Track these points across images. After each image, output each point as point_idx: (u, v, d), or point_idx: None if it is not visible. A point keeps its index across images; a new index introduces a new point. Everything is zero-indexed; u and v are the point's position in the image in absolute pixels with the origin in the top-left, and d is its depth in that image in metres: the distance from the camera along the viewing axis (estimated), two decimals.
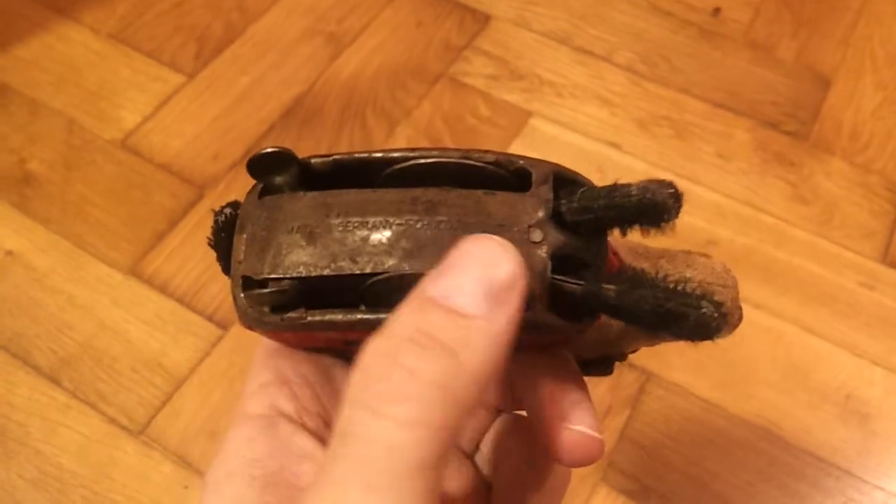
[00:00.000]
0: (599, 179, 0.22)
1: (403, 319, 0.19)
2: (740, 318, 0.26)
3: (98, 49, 0.83)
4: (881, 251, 0.71)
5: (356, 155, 0.24)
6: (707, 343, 0.26)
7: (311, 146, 0.76)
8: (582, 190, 0.23)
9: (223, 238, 0.24)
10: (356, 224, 0.22)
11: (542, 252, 0.22)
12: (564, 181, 0.23)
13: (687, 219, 0.74)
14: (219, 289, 0.67)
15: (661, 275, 0.22)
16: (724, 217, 0.73)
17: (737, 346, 0.65)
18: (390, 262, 0.22)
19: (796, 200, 0.74)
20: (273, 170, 0.23)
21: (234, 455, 0.22)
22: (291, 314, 0.22)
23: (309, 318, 0.22)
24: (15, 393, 0.62)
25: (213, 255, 0.72)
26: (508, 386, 0.27)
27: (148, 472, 0.59)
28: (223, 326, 0.65)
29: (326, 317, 0.22)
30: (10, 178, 0.73)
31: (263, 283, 0.23)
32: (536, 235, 0.22)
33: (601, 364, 0.28)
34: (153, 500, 0.58)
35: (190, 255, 0.69)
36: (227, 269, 0.24)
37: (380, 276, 0.22)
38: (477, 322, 0.19)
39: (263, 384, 0.24)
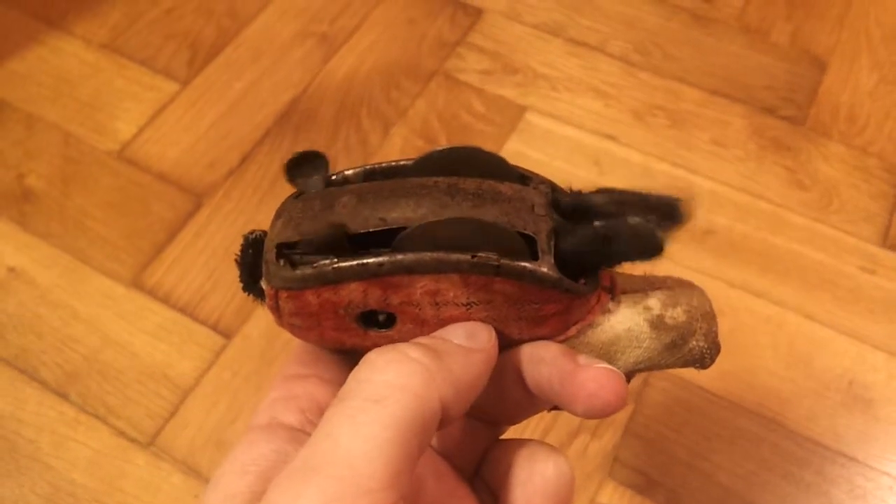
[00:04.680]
0: (596, 173, 0.27)
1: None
2: (718, 352, 0.27)
3: (91, 60, 0.83)
4: (881, 234, 0.71)
5: (384, 163, 0.27)
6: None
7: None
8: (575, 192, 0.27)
9: (250, 255, 0.26)
10: (386, 199, 0.25)
11: (547, 220, 0.25)
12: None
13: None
14: (221, 298, 0.67)
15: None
16: (722, 205, 0.73)
17: (738, 336, 0.65)
18: (416, 220, 0.24)
19: (794, 186, 0.74)
20: (306, 171, 0.26)
21: (232, 458, 0.23)
22: (322, 262, 0.24)
23: (340, 264, 0.24)
24: (24, 409, 0.63)
25: (213, 264, 0.73)
26: (511, 384, 0.27)
27: (158, 483, 0.59)
28: (227, 335, 0.65)
29: (355, 261, 0.24)
30: (10, 195, 0.73)
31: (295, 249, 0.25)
32: (541, 210, 0.25)
33: None
34: None
35: (190, 265, 0.69)
36: (248, 288, 0.26)
37: (406, 230, 0.24)
38: (458, 346, 0.23)
39: (273, 400, 0.26)
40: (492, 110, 0.79)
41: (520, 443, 0.26)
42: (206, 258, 0.69)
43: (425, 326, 0.25)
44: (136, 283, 0.68)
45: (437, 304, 0.24)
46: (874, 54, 0.83)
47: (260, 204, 0.73)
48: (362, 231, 0.24)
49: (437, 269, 0.24)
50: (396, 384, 0.21)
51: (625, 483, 0.59)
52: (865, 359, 0.64)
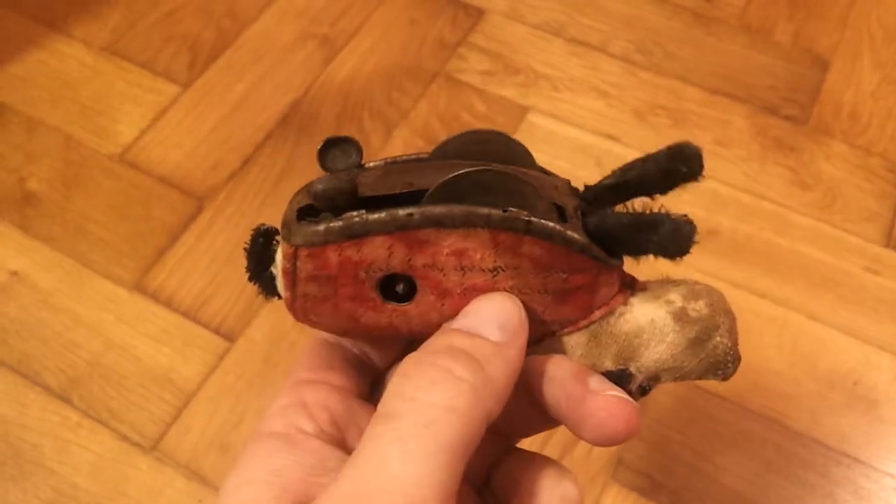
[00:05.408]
0: (598, 173, 0.27)
1: (435, 341, 0.23)
2: (739, 361, 0.27)
3: (91, 63, 0.83)
4: (884, 234, 0.71)
5: (404, 156, 0.27)
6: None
7: (309, 153, 0.76)
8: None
9: (259, 243, 0.26)
10: (412, 171, 0.25)
11: (572, 199, 0.26)
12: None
13: (687, 209, 0.73)
14: (224, 301, 0.67)
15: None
16: (725, 206, 0.72)
17: (743, 336, 0.65)
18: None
19: (797, 186, 0.74)
20: (337, 156, 0.26)
21: (252, 467, 0.23)
22: (350, 213, 0.23)
23: (367, 216, 0.23)
24: (27, 414, 0.62)
25: (216, 267, 0.73)
26: (523, 398, 0.26)
27: (161, 487, 0.59)
28: (230, 339, 0.65)
29: (384, 212, 0.23)
30: (11, 198, 0.73)
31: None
32: (565, 192, 0.26)
33: (619, 377, 0.28)
34: None
35: (192, 268, 0.69)
36: (255, 277, 0.26)
37: (436, 184, 0.24)
38: (496, 346, 0.23)
39: (283, 406, 0.25)
40: (493, 111, 0.79)
41: (532, 458, 0.26)
42: (209, 261, 0.69)
43: (447, 298, 0.24)
44: (139, 287, 0.68)
45: (462, 268, 0.24)
46: (876, 54, 0.83)
47: (262, 206, 0.73)
48: (382, 194, 0.24)
49: (466, 222, 0.23)
50: (443, 406, 0.21)
51: (629, 485, 0.59)
52: (870, 359, 0.64)
